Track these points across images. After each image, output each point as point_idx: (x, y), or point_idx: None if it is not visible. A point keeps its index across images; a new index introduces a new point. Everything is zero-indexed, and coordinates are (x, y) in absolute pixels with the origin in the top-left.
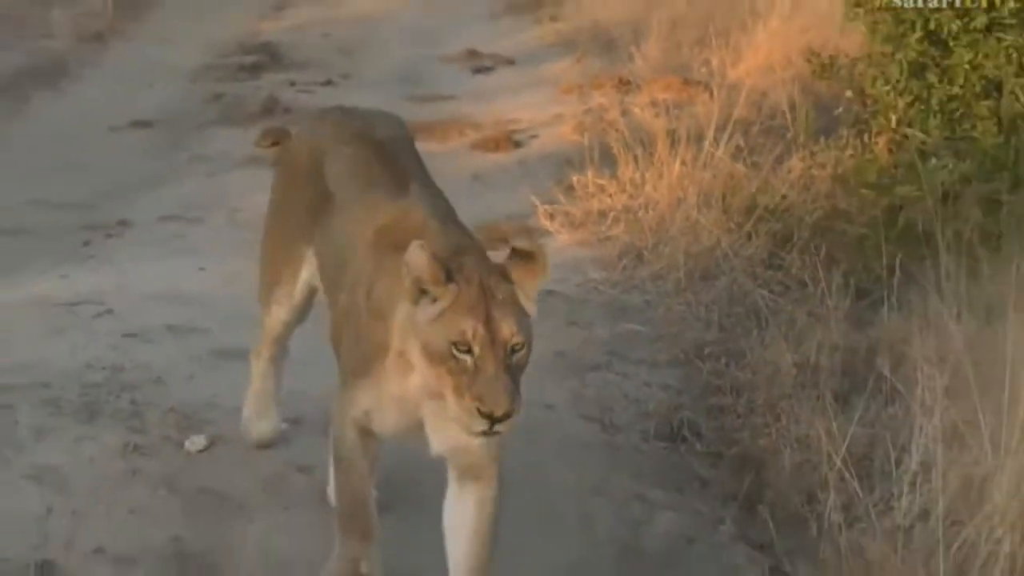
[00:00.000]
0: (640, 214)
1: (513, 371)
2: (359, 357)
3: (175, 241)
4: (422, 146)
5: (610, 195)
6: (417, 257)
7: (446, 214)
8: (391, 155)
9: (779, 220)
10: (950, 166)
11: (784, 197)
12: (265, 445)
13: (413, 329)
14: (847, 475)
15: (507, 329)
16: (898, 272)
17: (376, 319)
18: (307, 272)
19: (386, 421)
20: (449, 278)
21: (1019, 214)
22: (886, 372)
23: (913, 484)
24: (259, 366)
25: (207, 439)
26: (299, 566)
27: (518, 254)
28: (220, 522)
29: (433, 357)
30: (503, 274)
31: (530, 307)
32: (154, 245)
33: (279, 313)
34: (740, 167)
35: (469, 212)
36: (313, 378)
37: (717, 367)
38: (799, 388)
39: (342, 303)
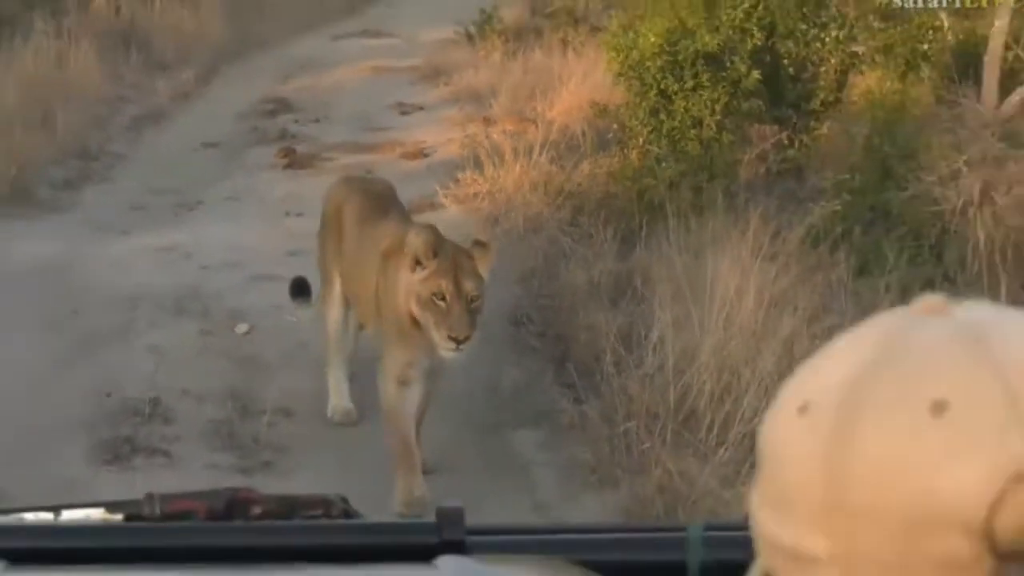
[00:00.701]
0: (497, 195)
1: (471, 313)
2: (393, 332)
3: (228, 214)
4: (373, 157)
5: (479, 184)
6: (416, 239)
7: (434, 233)
8: (384, 203)
9: (577, 198)
10: (672, 167)
11: (579, 185)
12: (350, 423)
13: (410, 287)
14: (617, 345)
15: (467, 286)
16: (645, 228)
17: (392, 300)
18: (339, 284)
19: (416, 368)
20: (434, 255)
21: (712, 196)
22: (638, 285)
23: (655, 349)
24: (332, 368)
25: (248, 326)
26: (305, 399)
27: (479, 244)
28: (256, 376)
29: (422, 304)
30: (468, 255)
31: (484, 275)
32: (216, 216)
33: (332, 313)
34: (554, 168)
35: (402, 194)
36: None
37: (543, 282)
38: (589, 295)
39: (370, 300)
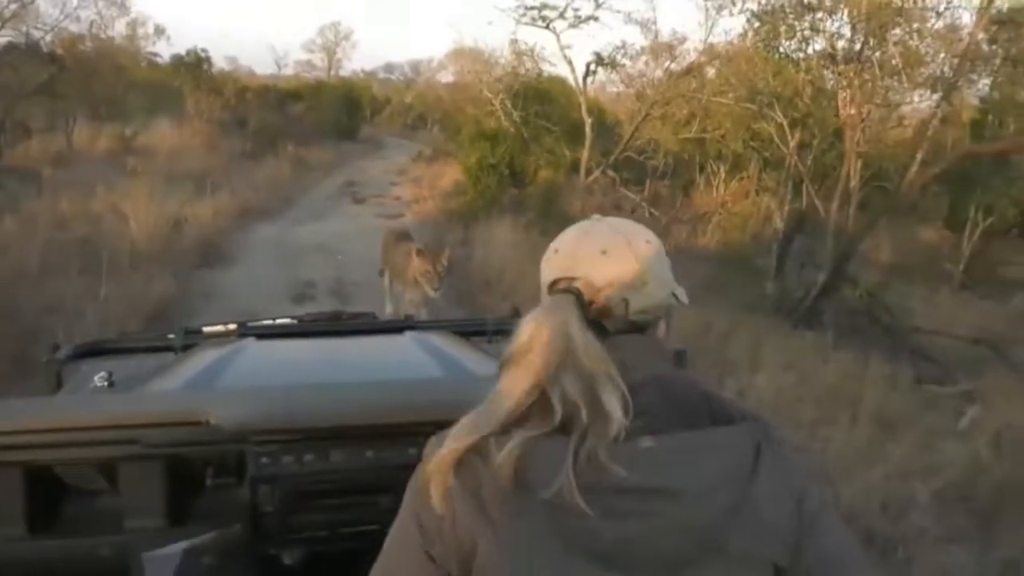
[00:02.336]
0: (424, 213)
1: (441, 278)
2: (402, 274)
3: (336, 219)
4: (383, 199)
5: (418, 208)
6: (416, 255)
7: (423, 245)
8: (407, 237)
9: (451, 214)
10: (481, 202)
11: (452, 209)
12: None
13: (415, 267)
14: (464, 260)
15: (439, 266)
16: (472, 223)
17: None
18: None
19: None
20: (419, 254)
21: (494, 211)
22: (471, 240)
23: (477, 260)
24: (386, 296)
25: (341, 256)
26: (364, 281)
27: (441, 248)
28: (345, 272)
29: (419, 273)
30: (442, 251)
31: (445, 262)
32: (332, 220)
33: (385, 280)
34: (442, 203)
35: (390, 213)
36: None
37: (456, 240)
38: (455, 243)
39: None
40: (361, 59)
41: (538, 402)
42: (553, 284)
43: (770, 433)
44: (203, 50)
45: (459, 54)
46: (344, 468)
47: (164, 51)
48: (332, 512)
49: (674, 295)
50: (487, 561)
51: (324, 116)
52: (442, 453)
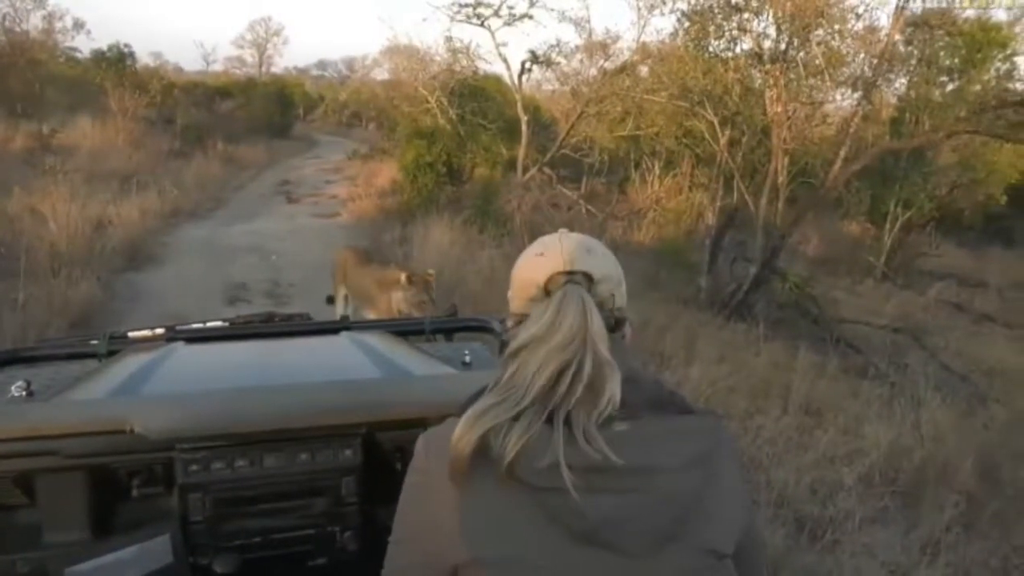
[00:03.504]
0: (360, 212)
1: (430, 297)
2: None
3: (268, 219)
4: (318, 198)
5: (354, 207)
6: (405, 281)
7: (406, 268)
8: (372, 258)
9: (388, 211)
10: (419, 199)
11: (388, 207)
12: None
13: (404, 298)
14: (403, 256)
15: (430, 289)
16: (411, 220)
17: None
18: (343, 290)
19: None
20: (410, 281)
21: (432, 208)
22: (408, 237)
23: (416, 258)
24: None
25: (276, 256)
26: (298, 282)
27: (429, 273)
28: (279, 273)
29: (411, 305)
30: (428, 274)
31: (432, 282)
32: (264, 219)
33: (338, 298)
34: (379, 202)
35: (324, 212)
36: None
37: (376, 237)
38: (392, 241)
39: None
40: (293, 56)
41: (527, 379)
42: (550, 280)
43: (724, 426)
44: (126, 45)
45: (394, 51)
46: (278, 472)
47: (84, 46)
48: (266, 518)
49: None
50: (478, 542)
51: (256, 113)
52: (461, 442)
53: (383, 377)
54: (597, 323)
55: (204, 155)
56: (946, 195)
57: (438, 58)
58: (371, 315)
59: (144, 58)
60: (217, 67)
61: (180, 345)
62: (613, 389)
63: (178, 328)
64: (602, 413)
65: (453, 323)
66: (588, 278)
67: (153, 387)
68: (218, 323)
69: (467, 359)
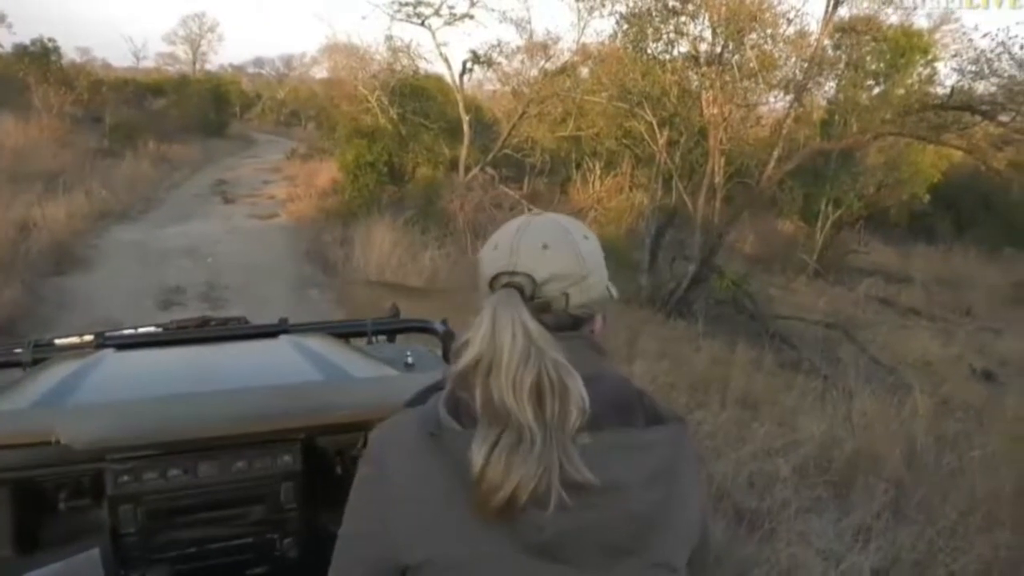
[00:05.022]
0: (300, 213)
1: None
2: None
3: (204, 220)
4: (256, 199)
5: (293, 208)
6: None
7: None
8: None
9: (328, 212)
10: (360, 199)
11: (328, 208)
12: None
13: None
14: (343, 257)
15: None
16: (352, 221)
17: None
18: None
19: None
20: None
21: (374, 209)
22: (350, 239)
23: (357, 259)
24: None
25: (211, 259)
26: (234, 284)
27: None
28: (216, 276)
29: None
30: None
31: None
32: (199, 221)
33: None
34: (319, 203)
35: (263, 214)
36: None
37: (315, 239)
38: (333, 241)
39: None
40: (229, 53)
41: (497, 400)
42: (494, 279)
43: (688, 434)
44: (51, 40)
45: (333, 49)
46: (214, 481)
47: (5, 40)
48: (202, 528)
49: (608, 289)
50: (429, 544)
51: (189, 112)
52: (500, 492)
53: (323, 380)
54: (537, 331)
55: (135, 154)
56: (874, 194)
57: (378, 57)
58: None
59: (70, 53)
60: (148, 64)
61: (110, 352)
62: (579, 393)
63: (108, 334)
64: (575, 425)
65: (395, 324)
66: (532, 280)
67: (81, 396)
68: (150, 328)
69: (409, 360)
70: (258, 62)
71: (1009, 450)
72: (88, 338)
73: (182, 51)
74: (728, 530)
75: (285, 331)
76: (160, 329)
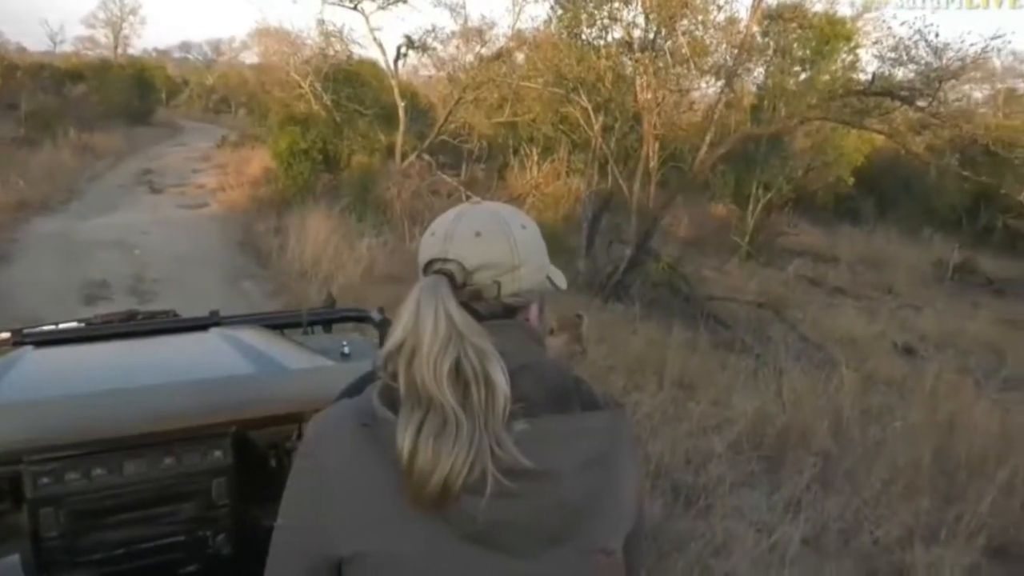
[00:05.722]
0: (231, 202)
1: (583, 346)
2: None
3: (129, 211)
4: (184, 189)
5: (224, 197)
6: (555, 326)
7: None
8: None
9: (261, 201)
10: (294, 188)
11: (262, 197)
12: None
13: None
14: (278, 248)
15: (580, 335)
16: (286, 210)
17: None
18: None
19: None
20: (560, 326)
21: (308, 197)
22: (284, 228)
23: (292, 249)
24: None
25: (139, 251)
26: (164, 277)
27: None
28: (143, 269)
29: (555, 351)
30: (579, 319)
31: (583, 326)
32: (125, 211)
33: None
34: (252, 192)
35: (192, 203)
36: None
37: (248, 228)
38: (266, 231)
39: None
40: (153, 37)
41: (419, 385)
42: (428, 266)
43: (625, 420)
44: None
45: (263, 34)
46: (141, 479)
47: None
48: (129, 528)
49: (550, 279)
50: (364, 534)
51: (112, 98)
52: (433, 476)
53: (254, 373)
54: (460, 318)
55: (54, 143)
56: (801, 178)
57: (310, 42)
58: None
59: None
60: (66, 48)
61: (29, 349)
62: (502, 380)
63: (26, 331)
64: (504, 411)
65: (331, 314)
66: (462, 268)
67: None
68: (73, 324)
69: (346, 350)
70: (184, 47)
71: (928, 421)
72: (5, 335)
73: (102, 35)
74: (666, 507)
75: (216, 324)
76: (83, 324)
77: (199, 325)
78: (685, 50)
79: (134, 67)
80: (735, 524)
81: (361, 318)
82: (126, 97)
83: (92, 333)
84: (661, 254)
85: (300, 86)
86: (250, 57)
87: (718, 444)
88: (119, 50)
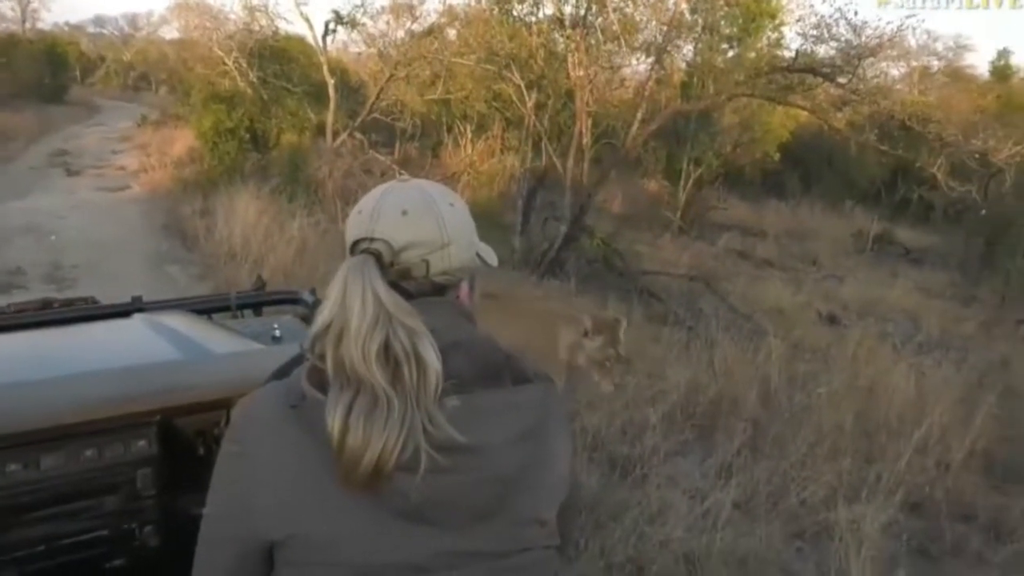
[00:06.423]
0: (154, 184)
1: (618, 351)
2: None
3: (44, 194)
4: (103, 171)
5: (146, 179)
6: (589, 329)
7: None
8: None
9: (186, 182)
10: (220, 168)
11: (187, 178)
12: None
13: (586, 350)
14: (204, 229)
15: (617, 339)
16: (213, 192)
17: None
18: None
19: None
20: (597, 328)
21: (236, 178)
22: (212, 210)
23: (220, 232)
24: None
25: (55, 237)
26: (81, 264)
27: (617, 320)
28: (60, 254)
29: (595, 359)
30: (617, 322)
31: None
32: (39, 195)
33: None
34: (176, 172)
35: (113, 186)
36: None
37: (171, 211)
38: (192, 214)
39: None
40: (64, 10)
41: (348, 365)
42: (355, 245)
43: (556, 393)
44: None
45: (184, 8)
46: (60, 473)
47: None
48: (50, 524)
49: (480, 257)
50: (294, 517)
51: (21, 76)
52: (365, 456)
53: (179, 359)
54: (388, 297)
55: None
56: (730, 153)
57: (233, 16)
58: None
59: None
60: None
61: None
62: (433, 358)
63: None
64: (436, 389)
65: (261, 297)
66: (389, 247)
67: None
68: None
69: (277, 333)
70: (99, 21)
71: (850, 386)
72: None
73: (8, 7)
74: (603, 477)
75: (139, 310)
76: None
77: (121, 311)
78: (616, 27)
79: (44, 42)
80: (670, 492)
81: (293, 300)
82: (37, 74)
83: (4, 322)
84: (595, 230)
85: (224, 63)
86: (170, 32)
87: (653, 415)
88: (27, 24)
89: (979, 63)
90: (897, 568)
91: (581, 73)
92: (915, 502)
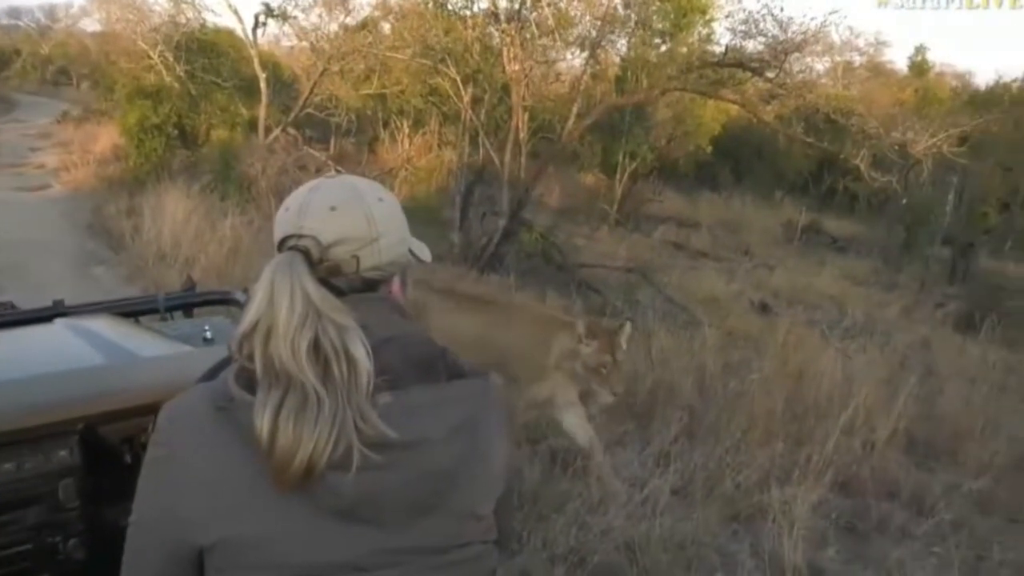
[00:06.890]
0: (77, 183)
1: (615, 358)
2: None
3: None
4: (22, 169)
5: (69, 177)
6: (585, 335)
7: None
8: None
9: (110, 181)
10: (147, 167)
11: (111, 176)
12: None
13: (583, 356)
14: (133, 230)
15: (616, 346)
16: (139, 190)
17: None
18: None
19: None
20: (592, 334)
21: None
22: (138, 208)
23: (148, 231)
24: None
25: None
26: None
27: (621, 325)
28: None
29: (591, 365)
30: (619, 328)
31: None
32: None
33: None
34: (100, 170)
35: (32, 185)
36: None
37: (96, 211)
38: (118, 213)
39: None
40: None
41: (277, 364)
42: (283, 242)
43: (494, 387)
44: None
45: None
46: None
47: None
48: None
49: (412, 252)
50: (223, 521)
51: None
52: (296, 458)
53: (103, 364)
54: (317, 294)
55: None
56: (664, 146)
57: (158, 8)
58: (534, 389)
59: None
60: None
61: None
62: (363, 355)
63: None
64: (368, 386)
65: (191, 298)
66: (318, 243)
67: None
68: None
69: (208, 335)
70: (14, 12)
71: (780, 372)
72: None
73: None
74: (545, 471)
75: (61, 314)
76: None
77: (41, 316)
78: (550, 21)
79: None
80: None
81: (225, 300)
82: None
83: None
84: (534, 224)
85: (149, 56)
86: (91, 24)
87: (592, 408)
88: None
89: (898, 59)
90: (827, 545)
91: (517, 67)
92: (843, 481)
